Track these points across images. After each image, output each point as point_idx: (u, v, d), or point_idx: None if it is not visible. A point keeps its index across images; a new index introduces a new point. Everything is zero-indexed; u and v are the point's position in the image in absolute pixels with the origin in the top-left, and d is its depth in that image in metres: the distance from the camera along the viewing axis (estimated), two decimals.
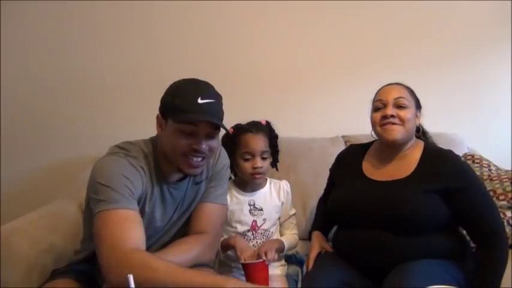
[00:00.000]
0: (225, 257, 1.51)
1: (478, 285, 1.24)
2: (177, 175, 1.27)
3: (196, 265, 1.23)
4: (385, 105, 1.36)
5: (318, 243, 1.49)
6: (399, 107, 1.35)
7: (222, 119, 1.21)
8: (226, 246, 1.44)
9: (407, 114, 1.35)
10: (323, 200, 1.61)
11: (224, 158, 1.38)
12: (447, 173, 1.29)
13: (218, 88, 1.23)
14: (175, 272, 1.02)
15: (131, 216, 1.11)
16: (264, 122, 1.54)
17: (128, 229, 1.09)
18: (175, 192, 1.29)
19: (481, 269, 1.27)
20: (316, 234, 1.53)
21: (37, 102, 2.20)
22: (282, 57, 2.18)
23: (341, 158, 1.57)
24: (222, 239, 1.45)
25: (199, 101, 1.14)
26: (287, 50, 2.18)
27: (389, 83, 1.43)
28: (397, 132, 1.34)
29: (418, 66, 2.16)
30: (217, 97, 1.20)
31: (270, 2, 2.14)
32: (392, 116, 1.34)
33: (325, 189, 1.62)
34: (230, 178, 1.56)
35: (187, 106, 1.14)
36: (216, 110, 1.19)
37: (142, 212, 1.21)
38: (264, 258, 1.33)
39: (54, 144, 2.21)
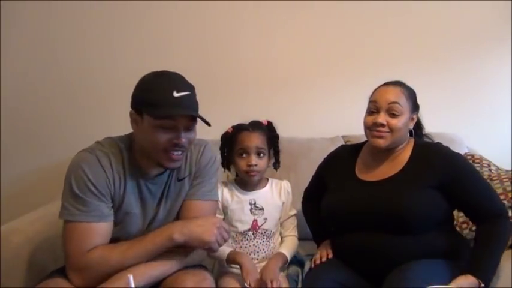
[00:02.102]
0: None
1: (474, 261, 1.23)
2: (156, 170, 1.26)
3: (188, 266, 1.23)
4: (377, 110, 1.34)
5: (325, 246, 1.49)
6: (392, 114, 1.32)
7: (197, 110, 1.21)
8: (233, 260, 1.42)
9: (398, 122, 1.32)
10: (310, 200, 1.59)
11: (208, 153, 1.35)
12: (439, 165, 1.29)
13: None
14: (128, 252, 1.14)
15: (93, 229, 1.16)
16: (265, 122, 1.54)
17: (88, 243, 1.15)
18: (153, 188, 1.27)
19: (478, 242, 1.27)
20: (325, 243, 1.52)
21: (37, 102, 2.21)
22: (282, 57, 2.19)
23: (331, 160, 1.55)
24: (229, 250, 1.44)
25: (175, 94, 1.14)
26: (287, 50, 2.18)
27: (387, 82, 1.40)
28: (383, 141, 1.33)
29: (418, 66, 2.16)
30: (192, 88, 1.20)
31: (268, 2, 2.14)
32: (382, 125, 1.32)
33: (310, 188, 1.61)
34: (237, 176, 1.57)
35: (164, 100, 1.14)
36: (192, 102, 1.19)
37: (115, 213, 1.22)
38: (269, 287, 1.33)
39: (54, 145, 2.21)
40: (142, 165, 1.24)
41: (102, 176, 1.19)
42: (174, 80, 1.19)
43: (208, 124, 1.22)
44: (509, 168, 1.73)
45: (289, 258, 1.48)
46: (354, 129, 1.97)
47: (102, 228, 1.18)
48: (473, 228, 1.50)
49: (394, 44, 2.17)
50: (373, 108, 1.36)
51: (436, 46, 2.17)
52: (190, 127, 1.20)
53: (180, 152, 1.20)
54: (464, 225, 1.53)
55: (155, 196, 1.28)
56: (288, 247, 1.51)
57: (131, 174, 1.23)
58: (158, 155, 1.19)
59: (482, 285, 1.19)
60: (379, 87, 1.40)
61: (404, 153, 1.38)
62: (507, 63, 2.15)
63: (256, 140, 1.47)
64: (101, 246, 1.16)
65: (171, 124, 1.15)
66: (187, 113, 1.16)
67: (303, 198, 1.66)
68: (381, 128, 1.32)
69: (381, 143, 1.33)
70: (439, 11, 2.14)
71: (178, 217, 1.31)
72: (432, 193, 1.28)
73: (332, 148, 1.62)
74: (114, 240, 1.21)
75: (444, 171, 1.29)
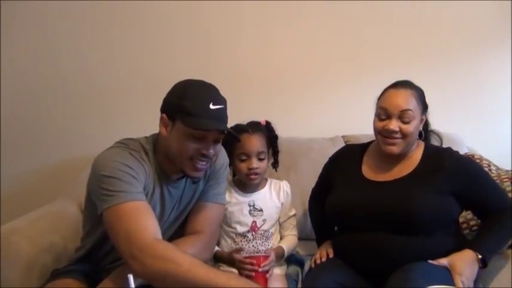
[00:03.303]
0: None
1: (474, 239, 1.27)
2: (177, 174, 1.27)
3: None
4: (388, 116, 1.32)
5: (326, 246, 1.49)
6: (403, 120, 1.31)
7: (227, 123, 1.23)
8: (220, 259, 1.44)
9: (410, 128, 1.30)
10: (317, 200, 1.59)
11: (223, 157, 1.38)
12: (452, 170, 1.30)
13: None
14: (198, 270, 1.02)
15: (141, 207, 1.11)
16: (263, 122, 1.54)
17: (142, 220, 1.09)
18: (174, 191, 1.28)
19: (482, 226, 1.32)
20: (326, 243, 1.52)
21: (37, 102, 2.20)
22: (282, 57, 2.18)
23: (337, 159, 1.54)
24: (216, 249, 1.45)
25: (211, 106, 1.15)
26: (287, 50, 2.18)
27: (397, 82, 1.36)
28: (396, 148, 1.33)
29: (418, 66, 2.15)
30: (225, 102, 1.21)
31: (269, 2, 2.14)
32: (395, 131, 1.30)
33: (317, 188, 1.61)
34: (234, 176, 1.57)
35: (200, 111, 1.14)
36: (225, 116, 1.21)
37: None
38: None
39: (54, 145, 2.21)
40: (165, 169, 1.25)
41: (141, 167, 1.18)
42: (211, 91, 1.20)
43: (238, 140, 1.30)
44: (509, 168, 1.72)
45: (286, 252, 1.49)
46: (354, 129, 1.99)
47: (148, 207, 1.13)
48: (473, 228, 1.51)
49: (394, 44, 2.17)
50: (383, 115, 1.33)
51: (436, 46, 2.16)
52: (219, 140, 1.22)
53: (204, 163, 1.21)
54: (464, 225, 1.53)
55: (174, 199, 1.29)
56: (287, 243, 1.52)
57: (157, 178, 1.24)
58: (183, 163, 1.19)
59: (480, 256, 1.21)
60: (389, 90, 1.36)
61: (415, 155, 1.37)
62: (507, 63, 2.14)
63: (256, 144, 1.46)
64: (167, 243, 1.09)
65: (202, 135, 1.16)
66: (222, 127, 1.18)
67: (310, 197, 1.66)
68: (393, 135, 1.31)
69: (394, 150, 1.33)
70: (439, 11, 2.14)
71: (186, 218, 1.33)
72: (442, 197, 1.28)
73: (332, 148, 1.62)
74: None
75: (457, 177, 1.29)
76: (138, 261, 1.03)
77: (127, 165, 1.14)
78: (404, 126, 1.31)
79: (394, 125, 1.30)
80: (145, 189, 1.19)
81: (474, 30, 2.15)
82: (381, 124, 1.34)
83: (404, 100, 1.31)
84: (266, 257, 1.35)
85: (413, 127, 1.31)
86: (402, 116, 1.30)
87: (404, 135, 1.31)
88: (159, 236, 1.10)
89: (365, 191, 1.37)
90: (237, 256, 1.36)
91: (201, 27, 2.16)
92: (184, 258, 1.04)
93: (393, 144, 1.32)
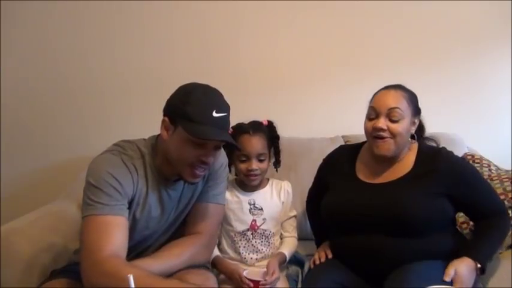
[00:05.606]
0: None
1: (471, 246, 1.26)
2: (175, 176, 1.26)
3: (192, 266, 1.23)
4: (377, 116, 1.32)
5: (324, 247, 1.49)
6: (391, 119, 1.30)
7: (229, 130, 1.23)
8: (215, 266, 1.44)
9: (398, 127, 1.30)
10: (314, 201, 1.57)
11: (222, 157, 1.37)
12: (445, 171, 1.29)
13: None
14: (145, 283, 1.00)
15: (115, 222, 1.11)
16: (265, 122, 1.53)
17: (108, 235, 1.08)
18: (173, 193, 1.28)
19: (476, 232, 1.31)
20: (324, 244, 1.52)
21: (37, 102, 2.20)
22: (283, 58, 2.19)
23: (331, 160, 1.54)
24: (216, 255, 1.45)
25: (214, 114, 1.13)
26: (288, 50, 2.18)
27: (388, 85, 1.37)
28: (386, 148, 1.31)
29: (418, 66, 2.16)
30: (228, 109, 1.19)
31: (270, 2, 2.13)
32: (382, 129, 1.30)
33: (313, 190, 1.61)
34: (236, 175, 1.57)
35: (202, 118, 1.12)
36: (228, 123, 1.20)
37: (134, 215, 1.20)
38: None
39: (54, 145, 2.21)
40: (163, 171, 1.24)
41: (128, 176, 1.17)
42: (215, 98, 1.18)
43: (238, 149, 1.29)
44: (509, 168, 1.73)
45: (288, 257, 1.49)
46: (354, 129, 1.98)
47: (122, 223, 1.13)
48: (473, 228, 1.51)
49: (394, 44, 2.17)
50: (372, 115, 1.33)
51: (436, 46, 2.16)
52: (219, 147, 1.21)
53: (203, 169, 1.20)
54: (464, 225, 1.53)
55: (173, 201, 1.29)
56: (288, 247, 1.51)
57: (153, 179, 1.23)
58: (182, 168, 1.19)
59: (479, 265, 1.21)
60: (379, 91, 1.37)
61: (409, 157, 1.37)
62: (507, 63, 2.15)
63: (257, 145, 1.45)
64: (121, 259, 1.08)
65: (204, 142, 1.15)
66: (223, 137, 1.16)
67: (307, 198, 1.66)
68: (382, 133, 1.30)
69: (385, 151, 1.32)
70: (438, 11, 2.14)
71: (185, 219, 1.33)
72: (435, 199, 1.28)
73: (332, 148, 1.62)
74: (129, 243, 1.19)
75: (450, 178, 1.29)
76: (86, 274, 1.05)
77: (113, 176, 1.14)
78: (392, 125, 1.30)
79: (381, 122, 1.30)
80: (135, 196, 1.19)
81: (474, 30, 2.16)
82: (370, 124, 1.33)
83: (393, 99, 1.31)
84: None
85: (402, 127, 1.30)
86: (390, 115, 1.30)
87: (393, 135, 1.30)
88: (121, 253, 1.09)
89: (359, 193, 1.36)
90: (240, 272, 1.36)
91: (202, 27, 2.16)
92: (131, 272, 0.95)
93: (383, 144, 1.31)
